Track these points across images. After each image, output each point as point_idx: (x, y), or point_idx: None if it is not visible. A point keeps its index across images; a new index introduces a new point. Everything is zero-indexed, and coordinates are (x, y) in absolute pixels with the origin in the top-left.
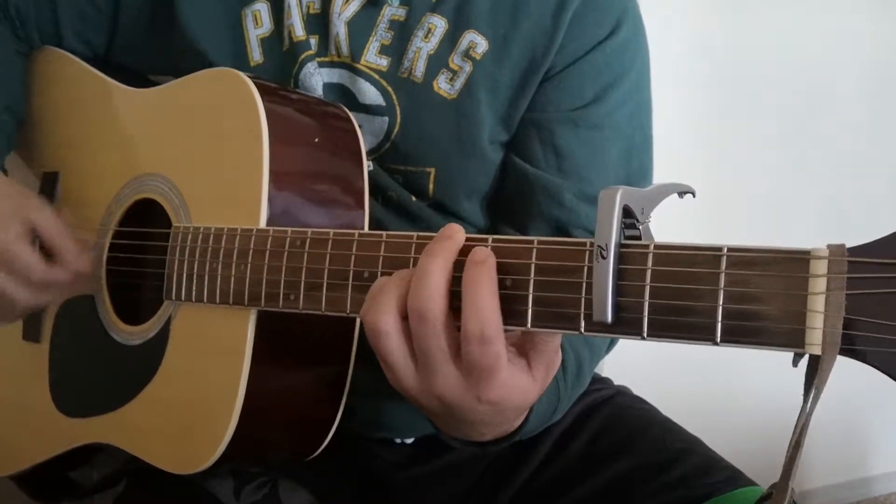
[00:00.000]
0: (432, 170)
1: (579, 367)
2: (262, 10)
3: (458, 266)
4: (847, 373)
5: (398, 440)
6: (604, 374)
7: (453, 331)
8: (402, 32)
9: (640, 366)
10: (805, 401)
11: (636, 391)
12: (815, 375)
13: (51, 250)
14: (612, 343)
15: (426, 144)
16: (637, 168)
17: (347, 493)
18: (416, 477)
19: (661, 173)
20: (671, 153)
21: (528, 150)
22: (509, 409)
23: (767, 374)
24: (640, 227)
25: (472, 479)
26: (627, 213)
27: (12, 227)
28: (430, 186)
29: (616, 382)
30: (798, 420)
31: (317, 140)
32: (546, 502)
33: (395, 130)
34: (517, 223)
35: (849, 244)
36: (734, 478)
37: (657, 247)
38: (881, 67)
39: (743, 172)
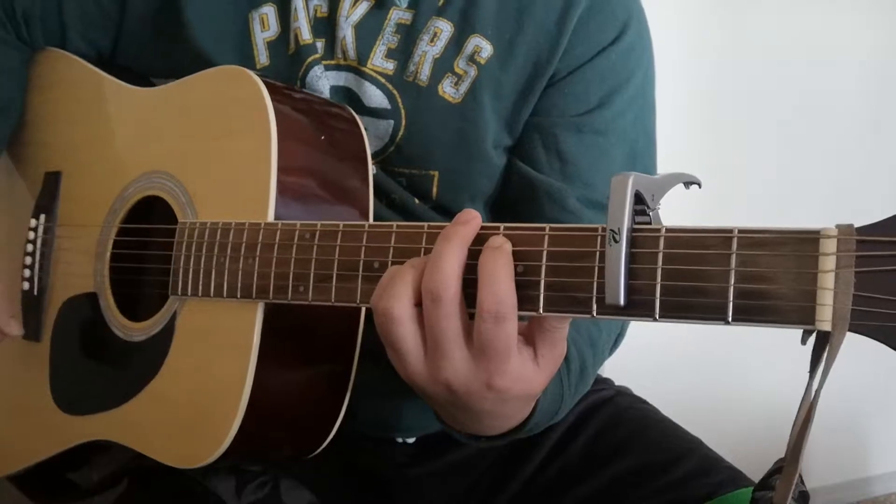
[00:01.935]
0: (436, 173)
1: (583, 367)
2: (270, 13)
3: (472, 255)
4: (847, 373)
5: (400, 439)
6: (604, 375)
7: (465, 315)
8: (408, 36)
9: (641, 366)
10: (811, 378)
11: (637, 392)
12: (822, 353)
13: None
14: (615, 345)
15: (430, 148)
16: (641, 172)
17: (349, 493)
18: (418, 476)
19: (662, 171)
20: (672, 153)
21: (533, 155)
22: (514, 398)
23: (768, 374)
24: (651, 214)
25: (473, 478)
26: (639, 199)
27: None
28: (434, 189)
29: (617, 383)
30: (804, 397)
31: (323, 139)
32: (547, 502)
33: (400, 133)
34: None
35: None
36: (734, 478)
37: (668, 230)
38: (882, 65)
39: (744, 171)
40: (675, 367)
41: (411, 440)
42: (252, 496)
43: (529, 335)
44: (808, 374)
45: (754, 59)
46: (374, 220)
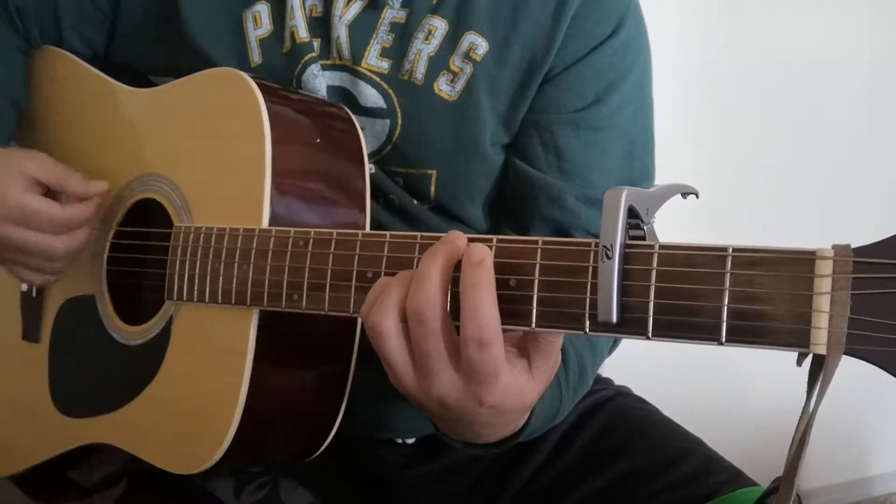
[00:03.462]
0: (434, 172)
1: (582, 368)
2: (263, 11)
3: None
4: (847, 373)
5: (399, 440)
6: (604, 375)
7: (453, 333)
8: (403, 34)
9: (641, 366)
10: (808, 399)
11: (637, 391)
12: (818, 375)
13: (60, 191)
14: (614, 345)
15: (427, 146)
16: (639, 169)
17: (348, 494)
18: (417, 477)
19: (661, 173)
20: (671, 153)
21: (530, 152)
22: (509, 411)
23: (769, 374)
24: (645, 228)
25: (473, 479)
26: (632, 213)
27: (14, 181)
28: (432, 189)
29: (617, 383)
30: (801, 418)
31: (318, 141)
32: (547, 503)
33: (397, 133)
34: (518, 225)
35: (852, 245)
36: (736, 478)
37: (662, 247)
38: (883, 65)
39: (743, 173)
40: (675, 366)
41: (410, 441)
42: (251, 497)
43: (523, 347)
44: (806, 375)
45: (754, 59)
46: (372, 221)
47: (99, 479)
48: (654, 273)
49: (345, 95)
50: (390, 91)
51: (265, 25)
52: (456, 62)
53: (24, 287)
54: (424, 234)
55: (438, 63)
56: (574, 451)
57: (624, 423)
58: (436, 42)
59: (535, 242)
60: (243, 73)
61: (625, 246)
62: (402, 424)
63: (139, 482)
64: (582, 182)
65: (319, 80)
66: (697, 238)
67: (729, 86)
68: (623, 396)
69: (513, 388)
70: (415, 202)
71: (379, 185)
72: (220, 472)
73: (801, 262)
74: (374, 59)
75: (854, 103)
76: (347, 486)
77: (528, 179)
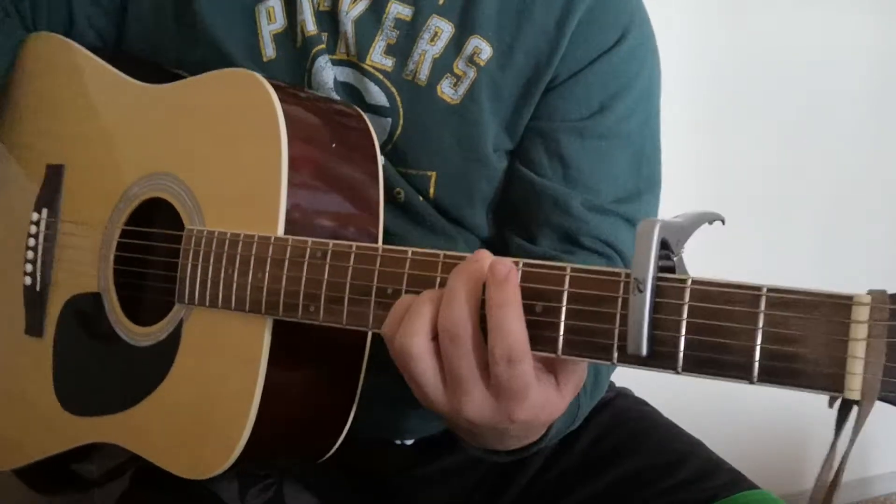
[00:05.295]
0: (433, 174)
1: (597, 374)
2: (276, 6)
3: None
4: None
5: (399, 441)
6: None
7: (484, 352)
8: (409, 33)
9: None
10: (835, 439)
11: (638, 393)
12: (847, 415)
13: None
14: None
15: (427, 148)
16: (646, 177)
17: (350, 495)
18: (418, 478)
19: (663, 174)
20: (673, 153)
21: (534, 160)
22: (540, 424)
23: None
24: (675, 259)
25: (473, 480)
26: (663, 244)
27: None
28: (431, 190)
29: (618, 385)
30: (826, 460)
31: (334, 145)
32: None
33: (398, 132)
34: (524, 231)
35: (853, 248)
36: (736, 481)
37: (695, 282)
38: (884, 65)
39: (743, 173)
40: None
41: (409, 442)
42: (256, 499)
43: (549, 363)
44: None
45: (756, 59)
46: None
47: (101, 473)
48: (685, 308)
49: (352, 91)
50: (393, 89)
51: (279, 20)
52: (460, 66)
53: (28, 281)
54: (448, 252)
55: (442, 66)
56: (574, 453)
57: (624, 425)
58: (441, 44)
59: (564, 269)
60: (258, 75)
61: (657, 279)
62: (402, 426)
63: (143, 480)
64: (587, 190)
65: (328, 72)
66: (696, 239)
67: (729, 86)
68: (624, 398)
69: (542, 403)
70: (420, 198)
71: (385, 180)
72: (224, 474)
73: (837, 307)
74: (378, 56)
75: (854, 103)
76: (350, 488)
77: (532, 186)
